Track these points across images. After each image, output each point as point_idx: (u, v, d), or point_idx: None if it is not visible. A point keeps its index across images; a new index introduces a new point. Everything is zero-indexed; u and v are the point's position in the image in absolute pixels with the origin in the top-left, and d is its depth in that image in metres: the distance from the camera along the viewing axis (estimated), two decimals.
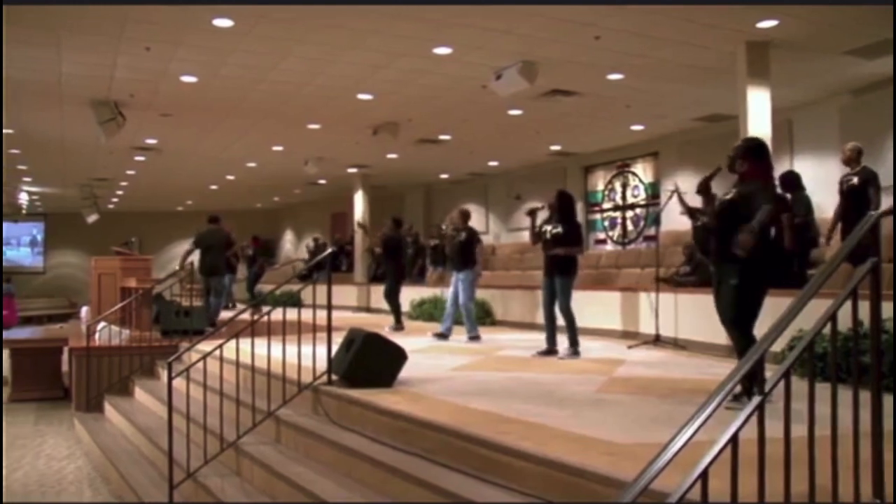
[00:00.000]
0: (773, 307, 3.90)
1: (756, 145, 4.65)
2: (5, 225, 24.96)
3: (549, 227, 7.17)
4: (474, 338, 8.66)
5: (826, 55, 8.29)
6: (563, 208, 7.18)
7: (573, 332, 7.09)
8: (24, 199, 20.16)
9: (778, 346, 4.37)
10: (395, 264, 10.60)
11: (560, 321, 7.15)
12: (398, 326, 10.30)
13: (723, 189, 4.72)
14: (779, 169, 8.81)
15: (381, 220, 11.64)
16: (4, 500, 5.75)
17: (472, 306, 8.82)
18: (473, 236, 8.98)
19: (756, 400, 2.13)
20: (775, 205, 4.52)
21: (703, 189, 4.74)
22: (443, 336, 8.77)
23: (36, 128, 12.06)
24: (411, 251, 15.68)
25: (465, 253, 8.79)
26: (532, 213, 7.36)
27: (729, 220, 4.43)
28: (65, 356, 10.15)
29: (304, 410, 5.32)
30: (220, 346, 5.31)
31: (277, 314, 5.33)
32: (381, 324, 10.37)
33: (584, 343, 7.62)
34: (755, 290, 4.37)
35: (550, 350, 7.15)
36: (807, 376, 2.36)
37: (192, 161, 15.70)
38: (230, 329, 5.55)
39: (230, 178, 18.53)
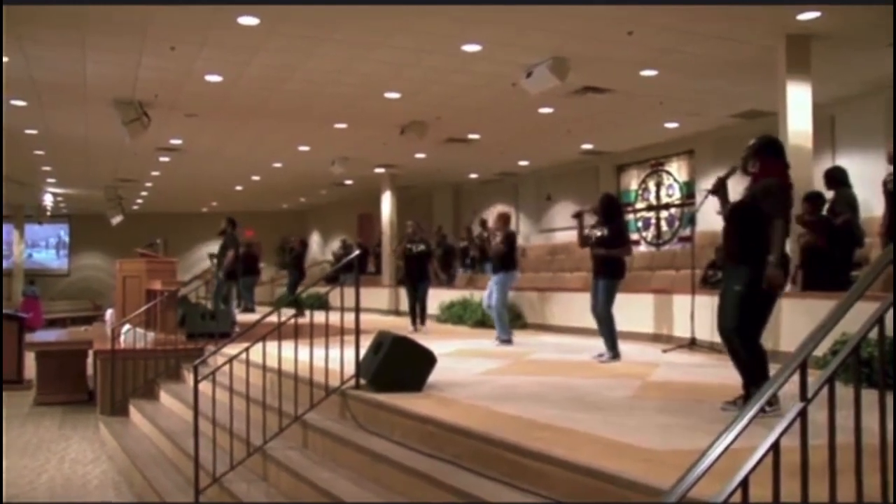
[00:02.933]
0: (814, 310, 3.83)
1: (769, 143, 4.48)
2: (31, 228, 25.44)
3: (596, 231, 7.21)
4: (505, 341, 8.65)
5: (870, 48, 8.15)
6: (605, 211, 7.21)
7: (612, 336, 7.08)
8: (48, 200, 20.52)
9: (819, 351, 4.26)
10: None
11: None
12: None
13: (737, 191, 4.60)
14: (821, 167, 8.72)
15: (407, 220, 11.66)
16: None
17: (504, 310, 8.83)
18: (513, 240, 9.00)
19: (798, 406, 2.10)
20: (785, 210, 4.26)
21: (718, 189, 4.60)
22: (507, 342, 8.72)
23: (60, 128, 12.28)
24: (440, 252, 15.70)
25: (504, 256, 8.81)
26: (579, 216, 7.42)
27: (739, 222, 4.31)
28: (90, 359, 10.29)
29: (332, 415, 5.33)
30: (247, 350, 5.35)
31: (305, 317, 5.35)
32: (410, 327, 10.43)
33: (619, 347, 7.56)
34: (763, 297, 4.18)
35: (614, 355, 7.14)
36: (851, 382, 2.32)
37: (217, 162, 15.88)
38: (257, 332, 5.60)
39: (256, 178, 18.69)
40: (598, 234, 7.18)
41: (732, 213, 4.40)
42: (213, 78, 9.37)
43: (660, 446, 3.60)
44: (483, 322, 10.86)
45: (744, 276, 4.18)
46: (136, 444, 7.20)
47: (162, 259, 11.17)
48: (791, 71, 7.86)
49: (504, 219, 9.16)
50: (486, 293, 8.96)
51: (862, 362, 2.34)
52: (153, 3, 6.91)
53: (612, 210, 7.30)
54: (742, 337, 4.22)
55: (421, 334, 9.48)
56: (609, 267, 7.08)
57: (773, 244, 4.11)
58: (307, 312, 5.53)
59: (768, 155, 4.40)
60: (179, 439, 6.39)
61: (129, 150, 13.90)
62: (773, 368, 4.17)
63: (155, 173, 17.57)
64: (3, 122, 11.28)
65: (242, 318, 11.61)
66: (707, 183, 11.93)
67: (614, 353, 7.08)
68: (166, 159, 15.43)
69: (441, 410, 4.56)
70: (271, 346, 5.49)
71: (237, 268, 10.68)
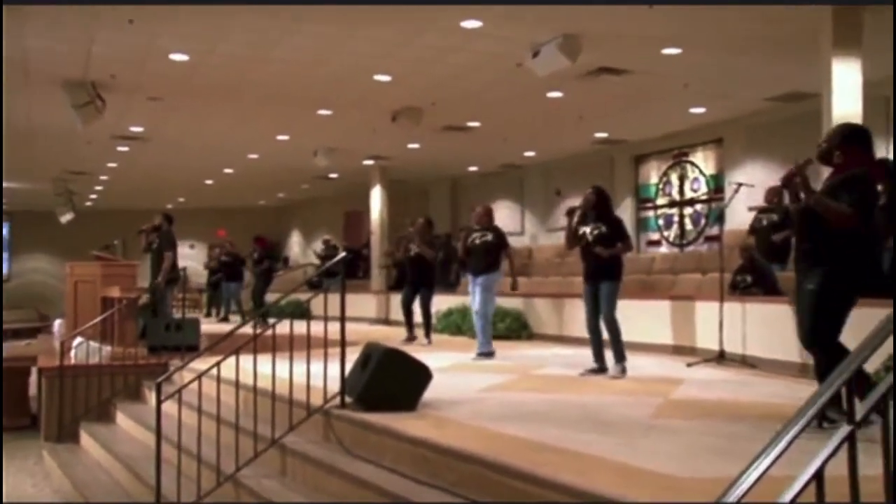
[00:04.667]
0: (863, 319, 3.78)
1: (857, 131, 4.55)
2: None
3: (587, 228, 7.17)
4: (485, 354, 8.62)
5: None
6: (601, 205, 7.21)
7: (619, 345, 7.06)
8: None
9: (870, 366, 4.24)
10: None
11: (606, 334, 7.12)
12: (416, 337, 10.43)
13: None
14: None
15: (402, 218, 11.64)
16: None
17: (490, 316, 8.85)
18: (502, 237, 9.04)
19: (845, 429, 2.07)
20: (866, 207, 4.28)
21: (789, 183, 4.56)
22: (489, 355, 8.72)
23: None
24: (441, 255, 15.69)
25: (489, 255, 8.83)
26: (571, 213, 7.37)
27: (814, 219, 4.32)
28: (33, 378, 10.18)
29: (314, 437, 5.31)
30: (218, 364, 5.33)
31: (284, 327, 5.33)
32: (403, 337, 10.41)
33: (635, 360, 7.56)
34: (839, 297, 4.24)
35: (600, 368, 7.12)
36: None
37: (184, 152, 15.85)
38: (229, 345, 5.57)
39: (228, 171, 18.67)
40: (594, 230, 7.13)
41: (806, 210, 4.40)
42: (179, 57, 9.34)
43: (683, 473, 3.58)
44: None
45: (820, 274, 4.24)
46: (86, 474, 7.12)
47: (120, 262, 11.10)
48: (838, 45, 7.80)
49: (489, 213, 9.20)
50: (471, 297, 8.98)
51: None
52: None
53: (608, 203, 7.35)
54: (818, 341, 4.27)
55: (417, 347, 9.45)
56: (609, 268, 7.07)
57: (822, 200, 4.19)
58: (270, 322, 5.50)
59: (855, 145, 4.43)
60: (139, 467, 6.34)
61: (82, 139, 13.78)
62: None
63: (112, 165, 17.50)
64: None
65: (213, 328, 11.58)
66: (738, 176, 11.94)
67: (624, 366, 7.05)
68: (125, 149, 15.36)
69: (437, 432, 4.55)
70: (246, 360, 5.46)
71: (175, 273, 10.63)
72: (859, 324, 3.88)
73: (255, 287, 15.33)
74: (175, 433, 5.34)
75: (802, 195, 4.46)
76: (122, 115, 12.05)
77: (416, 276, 10.70)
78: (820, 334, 4.26)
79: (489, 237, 8.94)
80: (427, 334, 10.49)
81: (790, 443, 2.01)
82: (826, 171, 4.68)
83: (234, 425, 5.40)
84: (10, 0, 6.89)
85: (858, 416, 2.11)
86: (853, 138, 4.47)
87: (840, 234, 4.24)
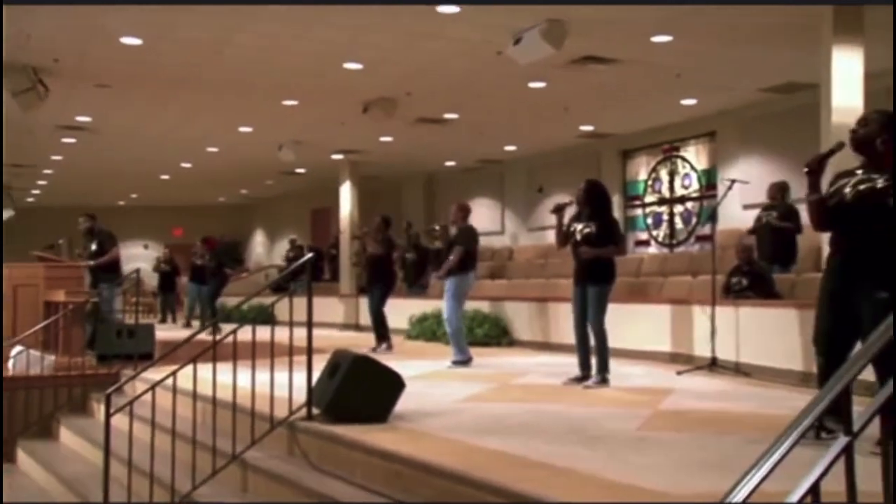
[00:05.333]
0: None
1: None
2: None
3: (578, 226, 7.16)
4: (462, 362, 8.64)
5: None
6: (593, 201, 7.17)
7: (604, 354, 7.07)
8: None
9: (870, 374, 4.24)
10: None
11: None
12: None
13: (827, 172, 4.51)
14: None
15: (374, 217, 11.61)
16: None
17: (460, 323, 8.85)
18: (459, 235, 8.99)
19: (842, 441, 2.09)
20: None
21: (818, 168, 4.39)
22: (465, 363, 8.73)
23: None
24: (413, 256, 15.69)
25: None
26: (559, 210, 7.34)
27: (874, 216, 4.17)
28: None
29: (278, 452, 5.29)
30: (174, 374, 5.29)
31: (246, 333, 5.30)
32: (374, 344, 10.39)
33: (623, 368, 7.59)
34: None
35: (585, 376, 7.14)
36: None
37: (137, 144, 15.73)
38: (186, 352, 5.54)
39: (186, 166, 18.57)
40: (584, 229, 7.12)
41: (862, 201, 4.27)
42: (131, 41, 9.26)
43: (672, 488, 3.60)
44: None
45: (885, 280, 4.06)
46: (24, 496, 6.99)
47: (66, 264, 10.97)
48: (839, 33, 7.89)
49: (463, 210, 9.18)
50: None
51: None
52: None
53: (601, 200, 7.25)
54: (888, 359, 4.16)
55: (388, 355, 9.45)
56: (599, 270, 7.07)
57: None
58: (228, 327, 5.48)
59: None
60: (84, 488, 6.26)
61: (22, 129, 13.56)
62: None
63: (56, 158, 17.32)
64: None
65: (169, 335, 11.49)
66: (731, 171, 12.04)
67: (605, 377, 7.06)
68: (71, 140, 15.21)
69: (411, 445, 4.54)
70: (205, 369, 5.43)
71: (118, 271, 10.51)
72: None
73: (207, 291, 15.21)
74: (125, 449, 5.29)
75: (848, 189, 4.31)
76: (68, 103, 11.94)
77: (371, 277, 10.77)
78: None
79: (454, 235, 8.96)
80: (378, 339, 10.43)
81: (784, 455, 2.02)
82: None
83: (191, 440, 5.36)
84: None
85: (856, 426, 2.13)
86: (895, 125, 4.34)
87: None
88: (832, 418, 3.92)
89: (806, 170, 4.43)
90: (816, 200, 4.44)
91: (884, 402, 2.16)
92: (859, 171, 4.39)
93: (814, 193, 4.44)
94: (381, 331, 10.51)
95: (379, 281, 10.64)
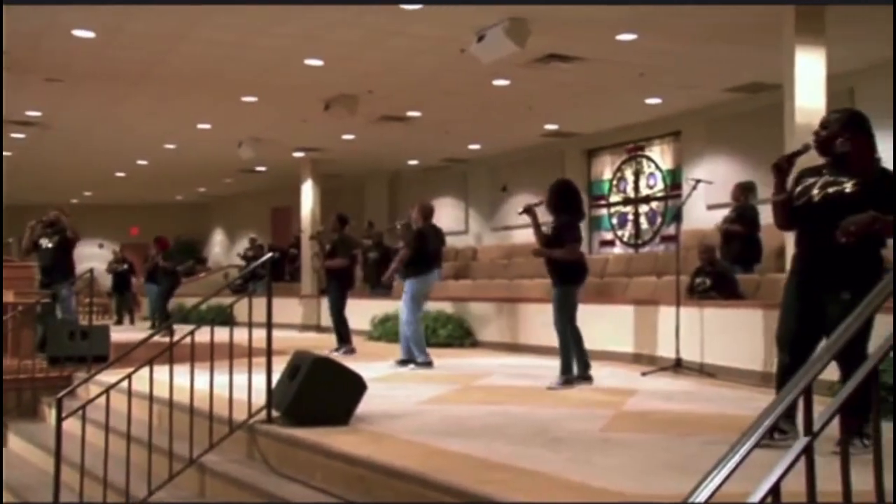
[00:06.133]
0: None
1: (861, 117, 4.47)
2: None
3: (544, 228, 7.28)
4: (424, 364, 8.66)
5: None
6: (554, 201, 7.26)
7: (566, 354, 7.13)
8: None
9: (833, 374, 4.29)
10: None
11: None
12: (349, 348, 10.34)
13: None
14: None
15: (332, 215, 11.58)
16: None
17: (419, 325, 8.87)
18: (415, 236, 9.01)
19: (803, 441, 2.12)
20: None
21: (786, 167, 4.42)
22: (405, 362, 8.77)
23: None
24: (375, 255, 15.65)
25: (412, 256, 8.85)
26: (528, 211, 7.36)
27: (840, 218, 4.11)
28: None
29: (237, 456, 5.26)
30: (129, 376, 5.24)
31: (204, 335, 5.26)
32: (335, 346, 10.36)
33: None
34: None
35: (578, 377, 7.18)
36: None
37: (91, 141, 15.54)
38: (142, 354, 5.49)
39: (142, 163, 18.39)
40: (546, 230, 7.26)
41: (828, 205, 4.27)
42: (84, 33, 9.14)
43: (635, 489, 3.64)
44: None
45: (851, 281, 4.09)
46: None
47: (15, 263, 10.81)
48: (801, 33, 7.99)
49: (425, 211, 9.20)
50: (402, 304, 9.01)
51: (886, 389, 2.37)
52: None
53: (565, 200, 7.28)
54: (856, 360, 4.13)
55: (349, 356, 9.42)
56: (562, 271, 7.15)
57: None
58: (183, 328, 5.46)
59: (861, 132, 4.35)
60: (33, 496, 6.17)
61: None
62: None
63: (6, 154, 17.02)
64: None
65: (125, 336, 11.36)
66: (697, 171, 12.17)
67: (566, 378, 7.10)
68: (20, 136, 14.95)
69: (372, 448, 4.55)
70: (161, 371, 5.39)
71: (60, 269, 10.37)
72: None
73: (157, 294, 15.03)
74: (78, 455, 5.24)
75: (832, 189, 4.31)
76: (17, 97, 11.70)
77: (327, 276, 10.77)
78: (859, 352, 4.13)
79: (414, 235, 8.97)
80: (339, 341, 10.40)
81: (745, 457, 2.05)
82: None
83: (147, 444, 5.32)
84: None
85: (816, 426, 2.16)
86: (859, 124, 4.39)
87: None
88: (786, 420, 4.00)
89: (774, 167, 4.46)
90: (781, 201, 4.48)
91: (843, 402, 2.20)
92: (825, 171, 4.41)
93: (780, 193, 4.47)
94: (342, 332, 10.48)
95: (335, 280, 10.60)
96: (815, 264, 4.39)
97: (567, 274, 7.16)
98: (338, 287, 10.55)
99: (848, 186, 4.27)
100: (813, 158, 4.63)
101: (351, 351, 10.23)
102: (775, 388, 4.51)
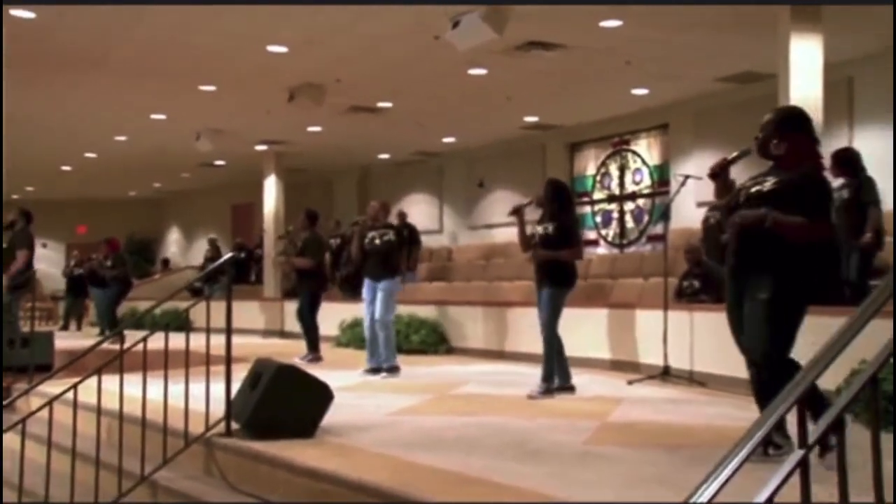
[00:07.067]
0: (818, 329, 3.89)
1: (795, 116, 4.59)
2: None
3: (539, 228, 7.30)
4: (392, 369, 8.67)
5: None
6: (552, 201, 7.32)
7: (549, 361, 7.17)
8: None
9: (831, 383, 4.35)
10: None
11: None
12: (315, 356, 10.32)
13: (745, 175, 4.68)
14: (834, 143, 8.96)
15: (298, 213, 11.54)
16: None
17: (391, 326, 8.91)
18: (403, 236, 9.12)
19: (798, 454, 2.13)
20: (829, 211, 4.38)
21: (719, 173, 4.62)
22: (375, 370, 8.78)
23: None
24: (343, 255, 15.61)
25: (391, 257, 8.87)
26: (517, 212, 7.45)
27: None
28: None
29: (193, 472, 5.24)
30: (75, 387, 5.20)
31: (158, 341, 5.22)
32: (301, 353, 10.31)
33: (573, 377, 7.65)
34: (792, 307, 4.30)
35: (561, 387, 7.21)
36: (871, 423, 2.37)
37: (33, 132, 15.37)
38: (89, 363, 5.44)
39: (90, 156, 18.25)
40: (542, 231, 7.28)
41: (751, 205, 4.39)
42: (23, 14, 9.01)
43: None
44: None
45: (770, 281, 4.25)
46: None
47: None
48: (797, 21, 8.06)
49: (387, 208, 9.30)
50: (366, 305, 9.00)
51: (886, 398, 2.38)
52: None
53: (561, 200, 7.41)
54: (774, 360, 4.28)
55: (309, 364, 9.39)
56: (554, 273, 7.18)
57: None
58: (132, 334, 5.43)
59: (796, 132, 4.46)
60: None
61: None
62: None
63: None
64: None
65: (70, 344, 11.27)
66: (685, 167, 12.24)
67: (548, 387, 7.13)
68: None
69: (339, 462, 4.54)
70: (110, 381, 5.34)
71: (27, 276, 10.26)
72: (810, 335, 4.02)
73: (105, 299, 14.90)
74: (16, 473, 5.18)
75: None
76: None
77: (299, 279, 10.77)
78: (775, 349, 4.29)
79: (390, 236, 8.97)
80: (309, 349, 10.39)
81: (735, 471, 2.06)
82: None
83: (95, 460, 5.27)
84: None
85: (812, 438, 2.17)
86: (793, 124, 4.50)
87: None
88: (779, 433, 4.06)
89: (709, 174, 4.65)
90: (723, 205, 4.61)
91: (837, 415, 2.21)
92: (769, 175, 4.51)
93: (720, 198, 4.65)
94: (310, 338, 10.45)
95: (306, 282, 10.58)
96: (739, 266, 4.50)
97: (560, 276, 7.21)
98: (309, 289, 10.53)
99: (767, 185, 4.40)
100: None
101: (317, 359, 10.20)
102: (755, 399, 4.56)
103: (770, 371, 4.31)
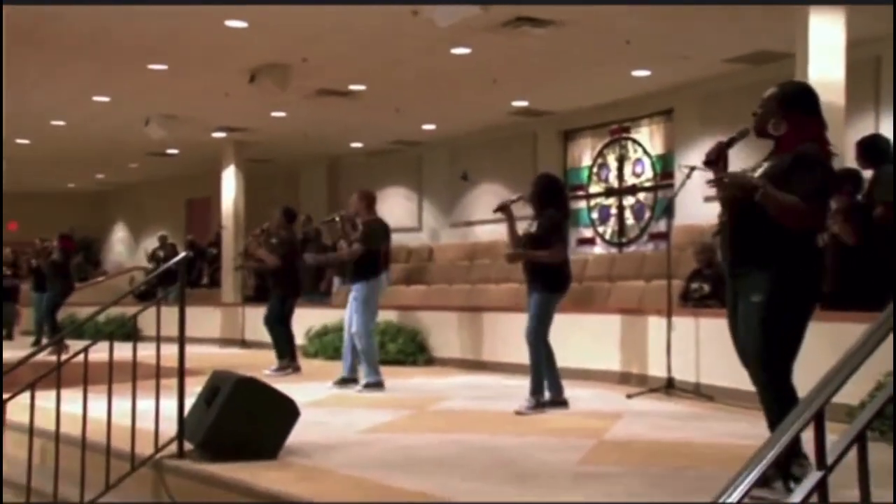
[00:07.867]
0: (843, 338, 3.81)
1: (799, 92, 4.47)
2: None
3: (530, 228, 7.37)
4: (374, 385, 8.64)
5: None
6: (538, 196, 7.37)
7: (537, 372, 7.18)
8: None
9: (852, 398, 4.32)
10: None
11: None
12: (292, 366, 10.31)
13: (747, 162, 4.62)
14: (858, 131, 8.97)
15: (265, 209, 11.55)
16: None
17: (372, 339, 8.87)
18: (375, 230, 9.00)
19: (816, 476, 2.14)
20: (825, 193, 4.28)
21: (716, 160, 4.42)
22: (347, 381, 8.77)
23: None
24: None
25: (365, 257, 8.82)
26: (503, 209, 7.43)
27: (754, 209, 4.17)
28: None
29: (140, 496, 5.21)
30: (3, 405, 5.16)
31: (101, 351, 5.20)
32: (263, 364, 10.29)
33: (566, 391, 7.66)
34: (793, 310, 4.20)
35: (552, 402, 7.23)
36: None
37: None
38: (22, 377, 5.40)
39: (22, 142, 18.09)
40: (529, 230, 7.33)
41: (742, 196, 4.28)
42: None
43: None
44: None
45: (765, 281, 4.15)
46: None
47: None
48: None
49: (368, 199, 9.21)
50: (347, 312, 8.95)
51: None
52: None
53: (549, 195, 7.40)
54: (769, 368, 4.19)
55: (278, 377, 9.38)
56: (542, 276, 7.20)
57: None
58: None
59: (798, 111, 4.33)
60: None
61: None
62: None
63: None
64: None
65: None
66: (691, 157, 12.27)
67: (538, 401, 7.15)
68: None
69: (305, 486, 4.53)
70: (45, 397, 5.31)
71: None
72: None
73: (46, 301, 14.85)
74: None
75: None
76: None
77: (271, 283, 10.83)
78: (770, 360, 4.18)
79: (359, 231, 8.95)
80: (280, 358, 10.38)
81: (745, 493, 2.06)
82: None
83: (25, 488, 5.24)
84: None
85: (830, 459, 2.18)
86: (795, 101, 4.37)
87: (787, 229, 4.13)
88: (795, 461, 3.99)
89: (705, 160, 4.48)
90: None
91: (857, 435, 2.21)
92: (766, 161, 4.40)
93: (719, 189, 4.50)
94: (281, 345, 10.46)
95: (278, 287, 10.57)
96: (733, 258, 4.42)
97: (551, 279, 7.21)
98: (281, 293, 10.51)
99: (760, 169, 4.30)
100: None
101: (296, 369, 10.20)
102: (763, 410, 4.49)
103: (765, 385, 4.24)
